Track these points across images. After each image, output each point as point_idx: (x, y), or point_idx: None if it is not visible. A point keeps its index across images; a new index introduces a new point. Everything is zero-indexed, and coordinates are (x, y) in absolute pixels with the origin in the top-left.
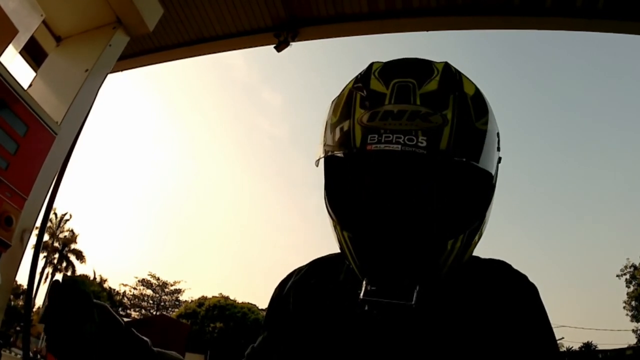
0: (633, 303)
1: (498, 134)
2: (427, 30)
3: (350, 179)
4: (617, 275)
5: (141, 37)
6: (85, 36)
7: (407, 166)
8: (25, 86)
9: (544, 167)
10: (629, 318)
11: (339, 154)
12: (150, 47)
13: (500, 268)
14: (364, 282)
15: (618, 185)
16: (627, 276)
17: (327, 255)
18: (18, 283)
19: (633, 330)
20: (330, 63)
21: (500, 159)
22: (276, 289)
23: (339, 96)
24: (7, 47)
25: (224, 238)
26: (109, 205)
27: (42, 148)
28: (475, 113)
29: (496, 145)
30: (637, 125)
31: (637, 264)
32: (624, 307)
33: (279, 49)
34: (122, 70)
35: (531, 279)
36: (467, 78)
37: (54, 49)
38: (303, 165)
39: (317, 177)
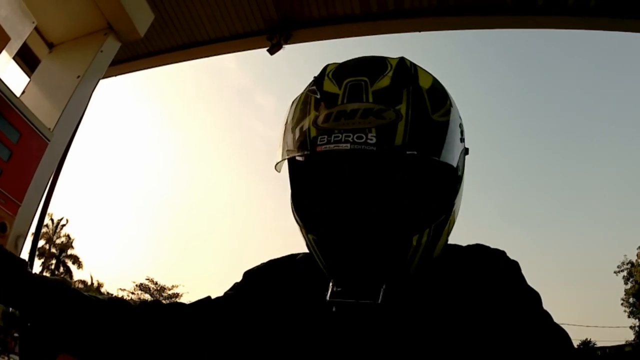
0: (631, 300)
1: (461, 124)
2: (420, 31)
3: (308, 181)
4: (615, 272)
5: (133, 42)
6: (77, 42)
7: (358, 164)
8: (18, 93)
9: (541, 163)
10: (626, 315)
11: (292, 156)
12: (143, 52)
13: (476, 250)
14: (331, 284)
15: (614, 182)
16: (625, 273)
17: (287, 256)
18: None
19: (631, 327)
20: (323, 65)
21: (467, 150)
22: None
23: (296, 99)
24: None
25: (221, 241)
26: (105, 210)
27: (35, 154)
28: (432, 106)
29: (459, 137)
30: (636, 122)
31: (635, 261)
32: (622, 304)
33: (272, 51)
34: (114, 76)
35: (528, 279)
36: (424, 71)
37: (46, 55)
38: None
39: None
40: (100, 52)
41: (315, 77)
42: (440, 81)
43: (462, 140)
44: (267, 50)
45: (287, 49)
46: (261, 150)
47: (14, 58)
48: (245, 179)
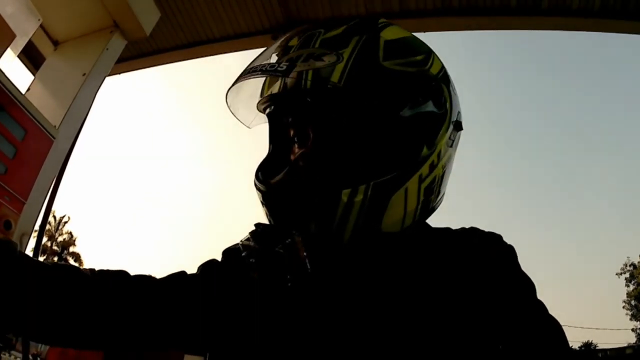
0: (633, 302)
1: (438, 87)
2: (424, 32)
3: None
4: (617, 274)
5: (138, 40)
6: (82, 40)
7: (277, 99)
8: (23, 90)
9: (545, 162)
10: (628, 317)
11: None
12: (147, 50)
13: (469, 233)
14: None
15: (617, 183)
16: (627, 275)
17: (236, 244)
18: None
19: (633, 329)
20: None
21: (458, 124)
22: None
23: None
24: (4, 51)
25: (224, 240)
26: (108, 208)
27: (40, 152)
28: (385, 53)
29: (423, 93)
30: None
31: (637, 263)
32: (624, 307)
33: None
34: (119, 73)
35: (532, 277)
36: (401, 30)
37: (51, 53)
38: None
39: None
40: (106, 50)
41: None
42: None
43: (437, 103)
44: None
45: None
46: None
47: (18, 55)
48: (249, 177)
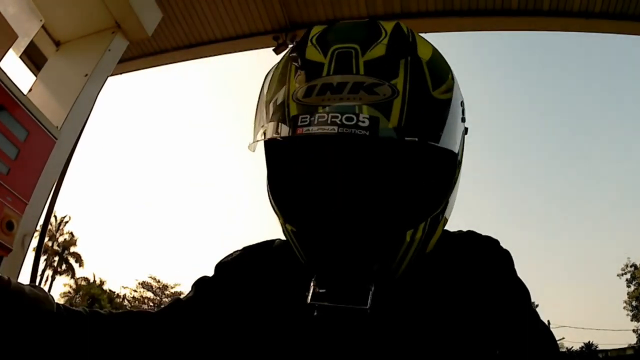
0: (633, 303)
1: (462, 102)
2: (425, 33)
3: (288, 166)
4: (618, 275)
5: (140, 41)
6: (84, 41)
7: (346, 151)
8: (25, 91)
9: (545, 165)
10: (629, 318)
11: (269, 136)
12: (149, 51)
13: (468, 239)
14: (312, 283)
15: (619, 184)
16: (628, 276)
17: (263, 243)
18: None
19: (633, 330)
20: None
21: (466, 129)
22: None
23: (274, 68)
24: (6, 52)
25: (225, 239)
26: (109, 208)
27: (42, 153)
28: (432, 80)
29: (460, 116)
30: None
31: (638, 264)
32: (624, 307)
33: (277, 51)
34: (120, 74)
35: (531, 281)
36: (423, 39)
37: (53, 53)
38: None
39: None
40: (108, 50)
41: (296, 41)
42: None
43: (464, 120)
44: (273, 50)
45: None
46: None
47: (20, 56)
48: (251, 177)
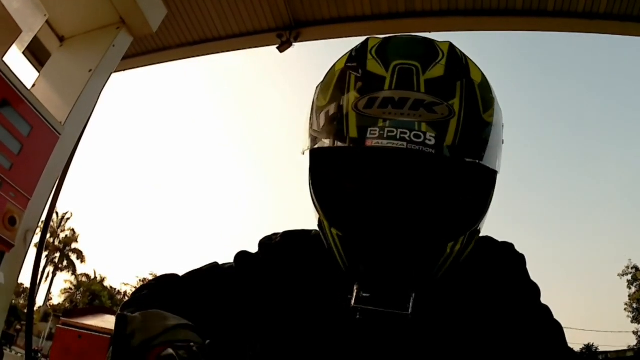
0: (634, 305)
1: (503, 125)
2: (430, 32)
3: (344, 172)
4: (619, 275)
5: (145, 37)
6: (88, 36)
7: (412, 166)
8: (29, 86)
9: (546, 165)
10: (629, 320)
11: (329, 144)
12: (153, 47)
13: (486, 245)
14: (355, 287)
15: (621, 184)
16: (629, 277)
17: (301, 232)
18: (19, 282)
19: (634, 332)
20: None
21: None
22: (242, 257)
23: (328, 75)
24: (10, 46)
25: (225, 237)
26: (110, 204)
27: (45, 148)
28: (482, 103)
29: (502, 138)
30: None
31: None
32: (625, 309)
33: (281, 49)
34: (123, 70)
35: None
36: (473, 62)
37: (57, 49)
38: (303, 165)
39: None
40: (113, 46)
41: (355, 50)
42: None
43: (503, 141)
44: (277, 48)
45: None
46: (269, 147)
47: (24, 51)
48: (252, 175)
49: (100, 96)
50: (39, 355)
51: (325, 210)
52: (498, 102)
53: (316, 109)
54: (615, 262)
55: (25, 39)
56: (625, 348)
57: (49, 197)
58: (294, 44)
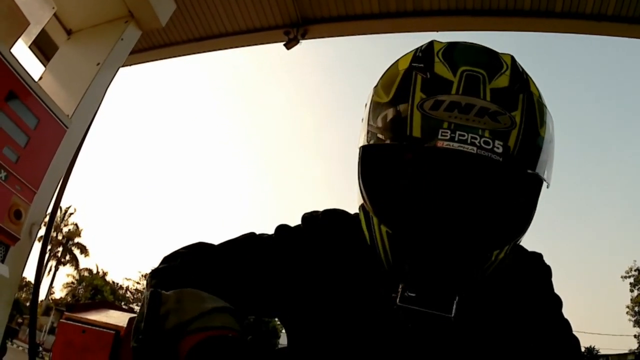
0: (636, 308)
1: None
2: (437, 31)
3: (403, 171)
4: (622, 277)
5: (153, 31)
6: (96, 30)
7: (480, 172)
8: (36, 78)
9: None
10: (631, 323)
11: (388, 141)
12: (160, 43)
13: (517, 254)
14: (400, 286)
15: (623, 186)
16: (632, 279)
17: (342, 214)
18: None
19: (635, 336)
20: (337, 63)
21: None
22: (287, 232)
23: (390, 73)
24: (18, 38)
25: (226, 233)
26: (113, 199)
27: (52, 141)
28: (539, 117)
29: (553, 153)
30: None
31: None
32: (627, 312)
33: (288, 46)
34: (130, 65)
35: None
36: (531, 77)
37: (64, 42)
38: (304, 164)
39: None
40: (121, 40)
41: (420, 51)
42: None
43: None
44: (284, 45)
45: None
46: (271, 146)
47: (29, 46)
48: (254, 171)
49: (108, 90)
50: (40, 348)
51: (377, 207)
52: (551, 117)
53: (375, 105)
54: (616, 264)
55: (33, 31)
56: (627, 351)
57: (55, 190)
58: (300, 41)
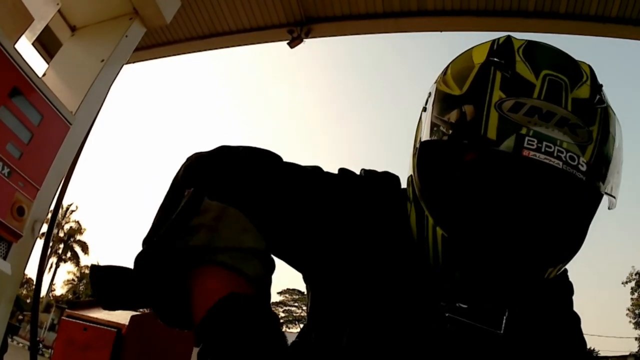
0: (637, 311)
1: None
2: (441, 31)
3: (472, 174)
4: (623, 283)
5: (157, 29)
6: (101, 26)
7: (562, 188)
8: (40, 74)
9: None
10: (632, 326)
11: (456, 138)
12: (164, 40)
13: None
14: (451, 295)
15: (625, 188)
16: (633, 284)
17: (385, 178)
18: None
19: (636, 338)
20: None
21: None
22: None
23: (463, 63)
24: (22, 34)
25: None
26: (114, 197)
27: (56, 138)
28: (612, 135)
29: (620, 172)
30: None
31: None
32: (627, 315)
33: (292, 45)
34: (134, 62)
35: None
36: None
37: (68, 38)
38: (308, 163)
39: None
40: (125, 36)
41: (497, 45)
42: None
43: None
44: (288, 44)
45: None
46: (274, 145)
47: (32, 43)
48: None
49: (112, 86)
50: (40, 345)
51: (437, 209)
52: (621, 130)
53: (443, 96)
54: (618, 267)
55: (37, 27)
56: (627, 354)
57: (58, 187)
58: (304, 40)
